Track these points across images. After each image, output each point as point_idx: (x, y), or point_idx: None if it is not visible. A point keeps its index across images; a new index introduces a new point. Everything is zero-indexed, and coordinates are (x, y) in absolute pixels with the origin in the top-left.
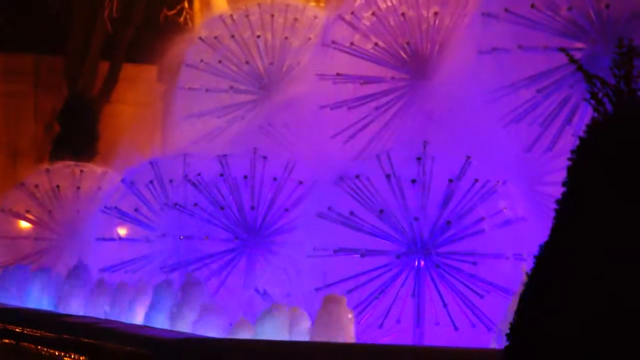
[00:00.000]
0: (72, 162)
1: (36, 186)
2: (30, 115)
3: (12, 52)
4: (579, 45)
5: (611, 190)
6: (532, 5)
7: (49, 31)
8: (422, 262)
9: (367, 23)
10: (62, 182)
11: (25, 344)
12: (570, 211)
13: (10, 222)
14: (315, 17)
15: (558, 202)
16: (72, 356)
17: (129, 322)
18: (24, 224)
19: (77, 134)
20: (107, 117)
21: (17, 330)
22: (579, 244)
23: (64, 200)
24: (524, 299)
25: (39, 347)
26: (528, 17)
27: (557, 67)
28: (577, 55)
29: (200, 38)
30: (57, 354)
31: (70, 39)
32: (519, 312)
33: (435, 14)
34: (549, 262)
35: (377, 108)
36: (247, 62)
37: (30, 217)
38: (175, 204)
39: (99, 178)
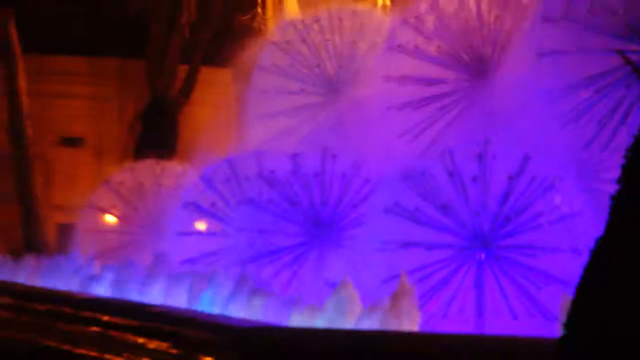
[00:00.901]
0: (154, 161)
1: (121, 183)
2: (115, 117)
3: (96, 56)
4: (636, 47)
5: None
6: (590, 9)
7: (130, 36)
8: (483, 255)
9: (431, 27)
10: (145, 180)
11: (112, 331)
12: (625, 207)
13: (97, 217)
14: (382, 22)
15: (613, 198)
16: (155, 343)
17: (206, 310)
18: (110, 219)
19: (158, 134)
20: (186, 118)
21: (105, 319)
22: (633, 239)
23: (147, 197)
24: (579, 291)
25: (125, 334)
26: (586, 20)
27: (614, 68)
28: (634, 57)
29: (273, 42)
30: (141, 341)
31: (150, 43)
32: (574, 304)
33: (496, 17)
34: (604, 256)
35: (440, 108)
36: (317, 65)
37: (116, 212)
38: (250, 200)
39: (179, 175)
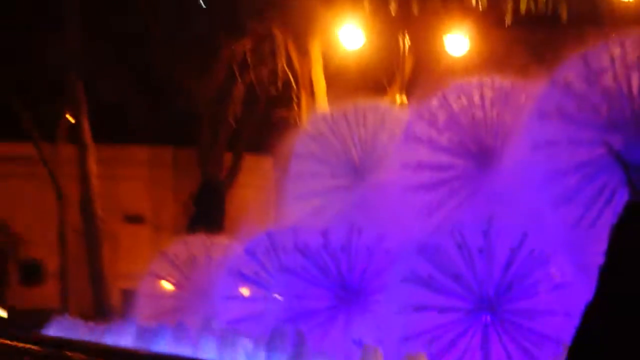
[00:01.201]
0: (204, 235)
1: (176, 254)
2: (170, 197)
3: (156, 145)
4: (617, 138)
5: None
6: (578, 107)
7: (184, 127)
8: (489, 318)
9: (442, 120)
10: (196, 251)
11: None
12: (610, 277)
13: (155, 284)
14: (400, 116)
15: (600, 268)
16: None
17: None
18: (166, 285)
19: (208, 212)
20: (232, 198)
21: None
22: (618, 304)
23: (198, 266)
24: (572, 349)
25: None
26: (575, 116)
27: (599, 157)
28: (616, 147)
29: (307, 133)
30: None
31: (201, 134)
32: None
33: (498, 113)
34: (593, 319)
35: (450, 191)
36: (344, 153)
37: (171, 279)
38: (287, 268)
39: (226, 248)
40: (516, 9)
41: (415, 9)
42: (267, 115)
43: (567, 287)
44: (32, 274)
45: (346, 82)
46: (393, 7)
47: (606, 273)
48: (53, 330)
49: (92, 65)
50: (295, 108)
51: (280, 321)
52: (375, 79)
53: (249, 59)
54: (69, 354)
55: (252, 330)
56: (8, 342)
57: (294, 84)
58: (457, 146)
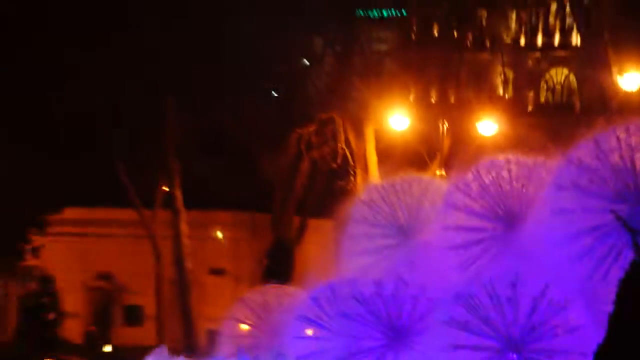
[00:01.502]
0: (276, 285)
1: (252, 301)
2: (247, 253)
3: (236, 210)
4: (623, 206)
5: None
6: (590, 180)
7: (259, 195)
8: (515, 357)
9: (475, 190)
10: (269, 299)
11: None
12: (618, 321)
13: (234, 326)
14: (440, 186)
15: (609, 315)
16: None
17: None
18: (244, 327)
19: (279, 266)
20: (299, 255)
21: None
22: (625, 345)
23: (271, 311)
24: None
25: None
26: (587, 187)
27: (608, 222)
28: (622, 213)
29: (361, 200)
30: None
31: (274, 201)
32: None
33: (523, 185)
34: (604, 358)
35: (483, 249)
36: (393, 217)
37: (248, 322)
38: (345, 313)
39: (294, 296)
40: (537, 99)
41: (452, 99)
42: (328, 186)
43: (581, 330)
44: (133, 316)
45: (394, 158)
46: (433, 97)
47: (614, 319)
48: None
49: (186, 146)
50: (352, 180)
51: (337, 358)
52: (418, 156)
53: (313, 140)
54: None
55: None
56: None
57: (351, 159)
58: (488, 212)
